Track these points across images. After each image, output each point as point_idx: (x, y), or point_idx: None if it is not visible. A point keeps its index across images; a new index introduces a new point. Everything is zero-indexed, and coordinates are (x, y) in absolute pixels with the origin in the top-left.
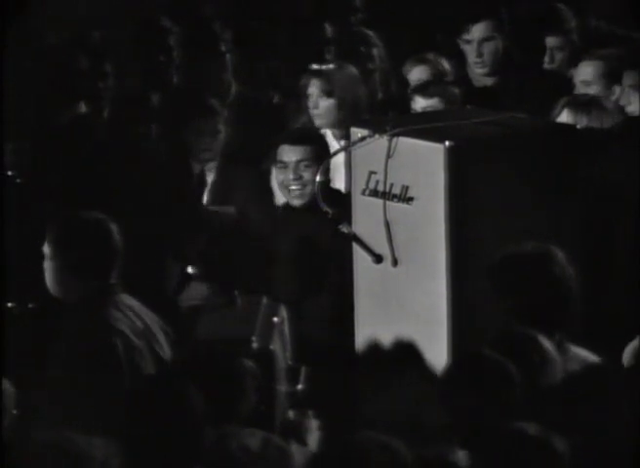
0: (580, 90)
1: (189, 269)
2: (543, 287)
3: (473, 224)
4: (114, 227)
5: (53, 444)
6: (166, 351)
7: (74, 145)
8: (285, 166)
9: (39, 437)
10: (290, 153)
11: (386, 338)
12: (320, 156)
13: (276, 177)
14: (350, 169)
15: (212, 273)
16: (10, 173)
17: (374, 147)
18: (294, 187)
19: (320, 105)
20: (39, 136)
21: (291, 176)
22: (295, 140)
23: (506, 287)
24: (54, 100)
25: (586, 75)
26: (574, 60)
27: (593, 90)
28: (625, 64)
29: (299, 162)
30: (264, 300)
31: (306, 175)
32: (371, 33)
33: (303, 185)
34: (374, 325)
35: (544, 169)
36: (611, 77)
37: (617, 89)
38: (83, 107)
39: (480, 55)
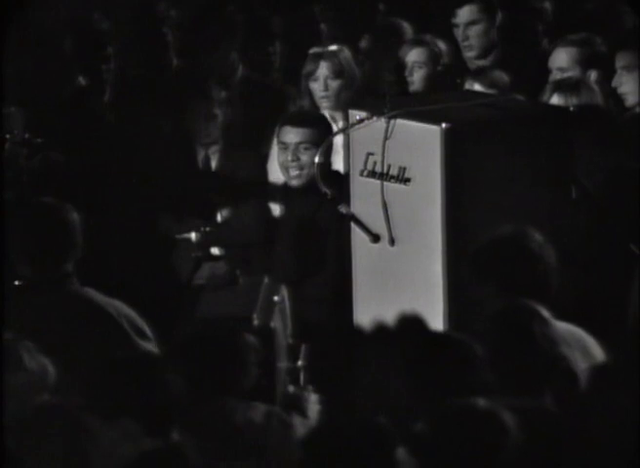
0: (557, 77)
1: (216, 250)
2: (522, 266)
3: (469, 204)
4: (75, 216)
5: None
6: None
7: (74, 118)
8: (285, 147)
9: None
10: (291, 134)
11: (385, 316)
12: (321, 139)
13: (277, 158)
14: (349, 150)
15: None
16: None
17: (371, 129)
18: (292, 169)
19: (330, 87)
20: (37, 104)
21: (289, 158)
22: (296, 122)
23: (487, 271)
24: (55, 74)
25: (561, 62)
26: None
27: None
28: (608, 48)
29: (298, 144)
30: (265, 280)
31: (305, 157)
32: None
33: (301, 168)
34: (372, 303)
35: (539, 150)
36: (586, 62)
37: (592, 73)
38: (83, 83)
39: (466, 38)
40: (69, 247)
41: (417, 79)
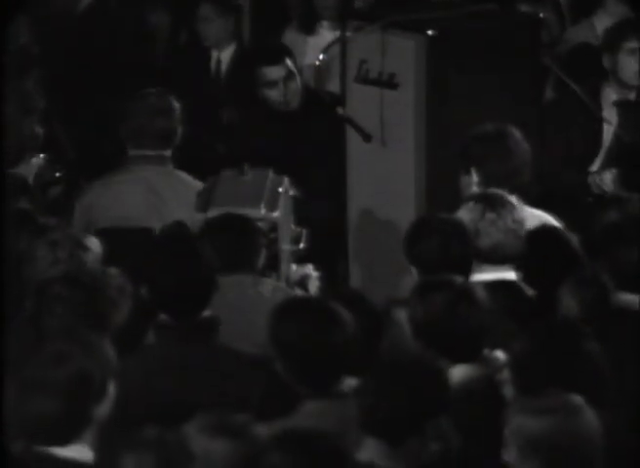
0: None
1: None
2: (502, 159)
3: (453, 106)
4: None
5: None
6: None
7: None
8: (274, 83)
9: None
10: (274, 72)
11: (374, 208)
12: (295, 68)
13: (268, 96)
14: (344, 58)
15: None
16: None
17: (365, 38)
18: (283, 101)
19: None
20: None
21: (281, 93)
22: (273, 60)
23: (472, 159)
24: None
25: None
26: None
27: None
28: None
29: (284, 77)
30: (270, 173)
31: (293, 85)
32: None
33: (293, 96)
34: (363, 197)
35: (513, 57)
36: None
37: None
38: None
39: None
40: None
41: None
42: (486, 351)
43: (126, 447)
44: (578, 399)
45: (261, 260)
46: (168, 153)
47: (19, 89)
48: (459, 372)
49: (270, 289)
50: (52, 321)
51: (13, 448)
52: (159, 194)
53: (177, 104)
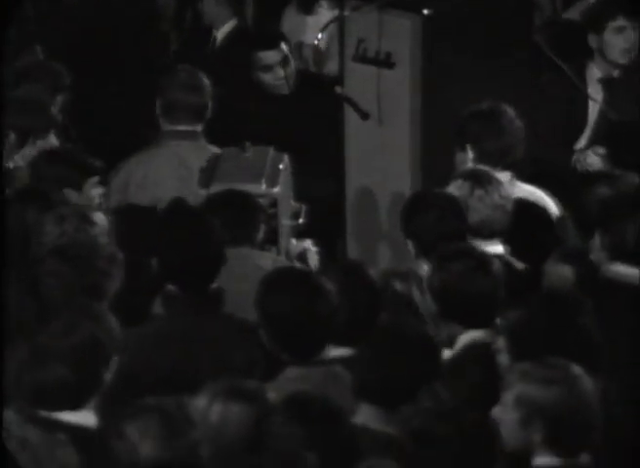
0: None
1: None
2: (496, 136)
3: (448, 84)
4: None
5: None
6: None
7: None
8: (270, 67)
9: None
10: (269, 57)
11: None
12: (290, 53)
13: (263, 79)
14: (342, 37)
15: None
16: None
17: (362, 17)
18: (279, 84)
19: None
20: None
21: (275, 76)
22: (268, 45)
23: (467, 137)
24: None
25: None
26: None
27: None
28: None
29: (279, 62)
30: (271, 151)
31: (288, 69)
32: None
33: (288, 79)
34: (360, 173)
35: (506, 36)
36: None
37: None
38: None
39: None
40: None
41: None
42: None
43: (129, 415)
44: (578, 369)
45: (261, 235)
46: (200, 128)
47: (43, 66)
48: (466, 338)
49: (270, 262)
50: (49, 294)
51: (17, 414)
52: (191, 169)
53: (207, 80)
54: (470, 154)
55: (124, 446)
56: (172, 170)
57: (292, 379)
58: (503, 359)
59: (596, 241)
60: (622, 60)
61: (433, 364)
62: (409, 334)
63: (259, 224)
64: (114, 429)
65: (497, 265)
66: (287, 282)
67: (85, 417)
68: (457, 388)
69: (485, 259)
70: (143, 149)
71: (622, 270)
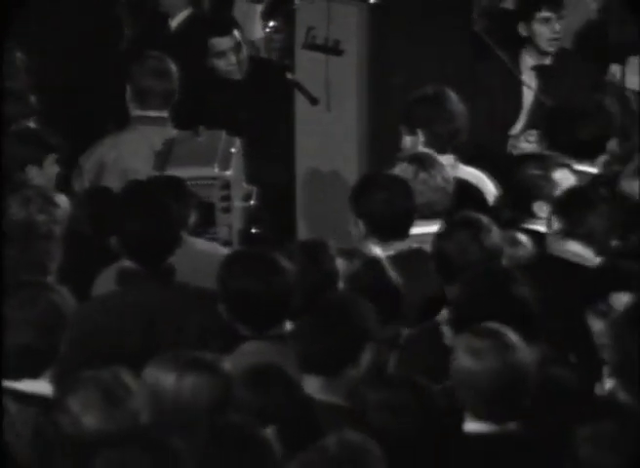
0: None
1: None
2: (446, 120)
3: (391, 71)
4: None
5: None
6: None
7: None
8: (223, 53)
9: None
10: (222, 43)
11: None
12: (242, 39)
13: (216, 66)
14: (292, 25)
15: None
16: None
17: (312, 5)
18: (231, 70)
19: None
20: None
21: (228, 62)
22: (223, 32)
23: (418, 121)
24: None
25: None
26: None
27: None
28: None
29: (232, 49)
30: (223, 135)
31: (241, 56)
32: None
33: (240, 65)
34: (310, 156)
35: (449, 24)
36: None
37: None
38: None
39: None
40: None
41: None
42: None
43: (70, 387)
44: (513, 336)
45: (192, 219)
46: (166, 114)
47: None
48: None
49: (207, 245)
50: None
51: None
52: None
53: (174, 66)
54: (421, 137)
55: (68, 418)
56: (141, 154)
57: (249, 353)
58: (447, 331)
59: (554, 222)
60: (550, 49)
61: (366, 326)
62: (338, 303)
63: (190, 210)
64: (57, 402)
65: (495, 232)
66: (248, 259)
67: (43, 387)
68: (405, 361)
69: (487, 226)
70: (114, 133)
71: (573, 248)
